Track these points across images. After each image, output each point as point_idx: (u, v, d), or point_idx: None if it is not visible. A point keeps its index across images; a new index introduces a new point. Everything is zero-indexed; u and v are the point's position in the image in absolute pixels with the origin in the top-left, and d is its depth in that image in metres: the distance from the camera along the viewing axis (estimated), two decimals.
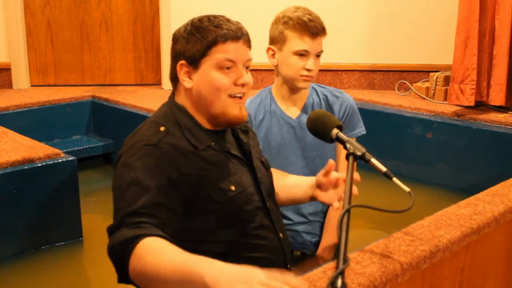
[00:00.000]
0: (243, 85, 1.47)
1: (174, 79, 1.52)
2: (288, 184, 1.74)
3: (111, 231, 1.28)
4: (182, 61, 1.46)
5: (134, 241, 1.18)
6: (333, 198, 1.58)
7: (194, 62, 1.45)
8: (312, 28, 1.95)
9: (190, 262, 1.09)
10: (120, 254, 1.20)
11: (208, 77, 1.45)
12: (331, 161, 1.56)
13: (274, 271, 1.03)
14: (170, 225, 1.30)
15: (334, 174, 1.57)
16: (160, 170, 1.35)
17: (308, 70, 1.96)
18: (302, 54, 1.96)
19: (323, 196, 1.61)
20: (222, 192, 1.44)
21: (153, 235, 1.20)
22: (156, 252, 1.16)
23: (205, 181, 1.42)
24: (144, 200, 1.28)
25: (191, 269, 1.06)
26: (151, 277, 1.13)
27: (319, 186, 1.61)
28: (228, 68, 1.45)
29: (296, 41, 1.95)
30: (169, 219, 1.30)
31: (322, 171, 1.59)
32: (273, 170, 1.76)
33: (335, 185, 1.58)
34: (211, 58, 1.44)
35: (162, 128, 1.44)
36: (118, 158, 1.43)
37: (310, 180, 1.66)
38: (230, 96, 1.46)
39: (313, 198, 1.65)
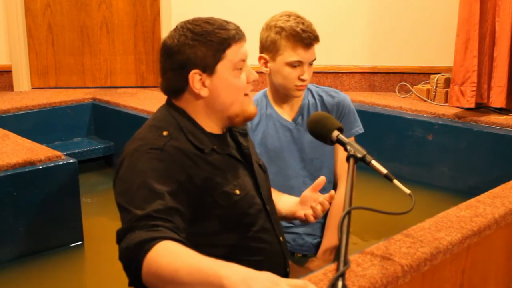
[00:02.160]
0: (253, 81, 1.50)
1: (178, 90, 1.47)
2: (277, 198, 1.74)
3: (122, 234, 1.25)
4: (195, 70, 1.42)
5: (150, 243, 1.16)
6: (308, 213, 1.62)
7: (209, 68, 1.43)
8: (306, 39, 1.92)
9: (208, 264, 1.08)
10: (135, 255, 1.17)
11: (226, 80, 1.44)
12: (322, 178, 1.60)
13: (295, 281, 1.03)
14: (183, 230, 1.29)
15: (321, 195, 1.61)
16: (169, 173, 1.34)
17: (303, 80, 1.96)
18: (296, 65, 1.95)
19: (301, 212, 1.65)
20: (227, 196, 1.44)
21: (170, 238, 1.18)
22: (173, 254, 1.14)
23: (211, 185, 1.41)
24: (158, 205, 1.26)
25: (209, 272, 1.05)
26: (167, 279, 1.11)
27: (302, 202, 1.65)
28: (241, 68, 1.46)
29: (289, 53, 1.93)
30: (181, 223, 1.29)
31: (312, 185, 1.63)
32: None
33: (316, 202, 1.61)
34: (227, 61, 1.43)
35: (165, 133, 1.42)
36: (119, 163, 1.40)
37: (296, 199, 1.70)
38: (245, 94, 1.49)
39: (294, 216, 1.69)
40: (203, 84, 1.44)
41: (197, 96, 1.45)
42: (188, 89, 1.45)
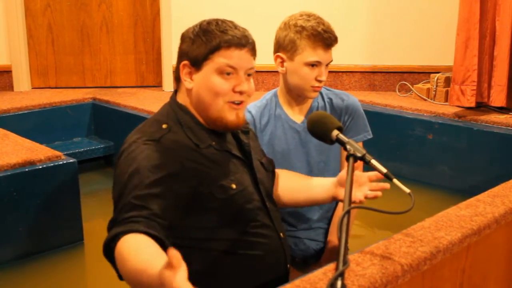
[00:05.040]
0: (241, 92, 1.47)
1: (178, 78, 1.53)
2: (309, 184, 1.73)
3: (108, 228, 1.31)
4: (185, 61, 1.48)
5: (114, 240, 1.22)
6: (357, 195, 1.55)
7: (197, 64, 1.47)
8: (327, 39, 1.89)
9: (151, 268, 1.07)
10: (106, 252, 1.25)
11: (207, 80, 1.46)
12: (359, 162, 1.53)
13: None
14: (164, 216, 1.30)
15: (358, 173, 1.56)
16: (161, 163, 1.36)
17: (320, 81, 1.93)
18: (314, 64, 1.92)
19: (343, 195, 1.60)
20: (223, 189, 1.45)
21: (136, 231, 1.22)
22: (126, 253, 1.17)
23: (207, 178, 1.43)
24: (137, 190, 1.30)
25: (151, 275, 1.06)
26: (126, 277, 1.18)
27: (341, 183, 1.61)
28: (228, 73, 1.45)
29: (309, 52, 1.90)
30: (162, 210, 1.30)
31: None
32: (287, 172, 1.76)
33: (360, 183, 1.56)
34: (212, 62, 1.45)
35: (164, 126, 1.46)
36: (119, 155, 1.44)
37: (332, 180, 1.66)
38: (227, 102, 1.47)
39: (334, 198, 1.65)
40: (191, 77, 1.49)
41: (186, 87, 1.50)
42: (181, 79, 1.51)
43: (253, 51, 1.50)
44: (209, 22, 1.49)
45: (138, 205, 1.28)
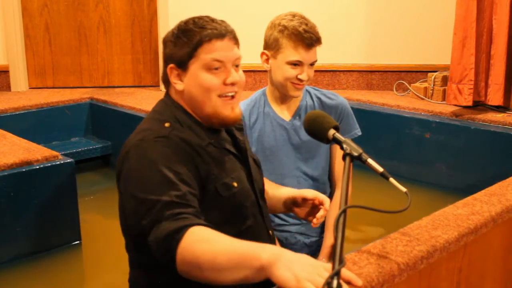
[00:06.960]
0: (232, 84, 1.47)
1: (166, 81, 1.53)
2: (269, 194, 1.75)
3: (149, 226, 1.25)
4: (171, 65, 1.48)
5: (179, 232, 1.19)
6: (310, 215, 1.66)
7: (183, 65, 1.46)
8: (307, 39, 1.94)
9: (247, 247, 1.12)
10: (166, 247, 1.20)
11: (197, 79, 1.45)
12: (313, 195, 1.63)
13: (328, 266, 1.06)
14: (201, 213, 1.30)
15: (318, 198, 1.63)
16: (179, 160, 1.36)
17: (300, 80, 1.97)
18: (296, 64, 1.96)
19: (299, 212, 1.69)
20: (227, 187, 1.46)
21: (198, 224, 1.21)
22: (206, 241, 1.17)
23: (212, 176, 1.43)
24: (176, 191, 1.28)
25: (248, 255, 1.09)
26: (205, 266, 1.14)
27: (295, 203, 1.68)
28: (216, 68, 1.45)
29: (290, 52, 1.95)
30: (199, 207, 1.31)
31: (303, 194, 1.65)
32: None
33: (313, 205, 1.65)
34: (198, 59, 1.45)
35: (166, 124, 1.45)
36: (124, 156, 1.41)
37: (290, 193, 1.71)
38: (220, 96, 1.46)
39: (289, 210, 1.72)
40: (180, 79, 1.48)
41: (177, 90, 1.49)
42: (171, 82, 1.50)
43: (235, 40, 1.49)
44: (186, 22, 1.48)
45: (182, 203, 1.26)
